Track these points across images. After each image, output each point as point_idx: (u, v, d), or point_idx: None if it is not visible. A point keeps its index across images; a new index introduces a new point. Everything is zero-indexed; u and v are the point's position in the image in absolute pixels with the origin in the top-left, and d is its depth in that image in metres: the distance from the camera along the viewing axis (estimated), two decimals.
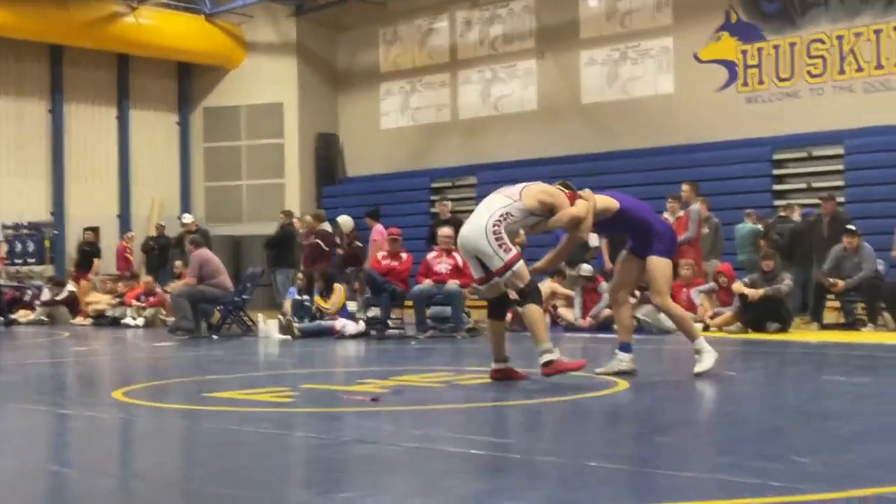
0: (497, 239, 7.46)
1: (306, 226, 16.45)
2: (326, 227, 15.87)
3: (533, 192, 7.68)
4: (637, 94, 21.26)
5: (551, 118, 22.29)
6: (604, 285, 14.44)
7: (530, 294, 7.64)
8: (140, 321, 17.54)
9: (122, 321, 17.78)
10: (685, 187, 15.24)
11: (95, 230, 22.88)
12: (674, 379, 8.46)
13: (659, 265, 7.93)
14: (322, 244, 15.47)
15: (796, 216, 16.16)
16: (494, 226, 7.47)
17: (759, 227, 16.22)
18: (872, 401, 6.78)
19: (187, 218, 20.60)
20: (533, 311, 7.60)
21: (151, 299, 17.83)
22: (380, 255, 14.52)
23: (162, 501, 4.06)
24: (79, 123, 24.81)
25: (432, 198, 23.27)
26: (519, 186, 7.77)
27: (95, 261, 21.40)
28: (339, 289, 14.28)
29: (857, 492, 3.81)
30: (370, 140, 25.43)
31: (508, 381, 7.54)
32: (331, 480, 4.24)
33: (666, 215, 15.49)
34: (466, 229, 7.68)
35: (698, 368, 7.74)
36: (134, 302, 18.03)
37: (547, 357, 7.43)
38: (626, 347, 8.03)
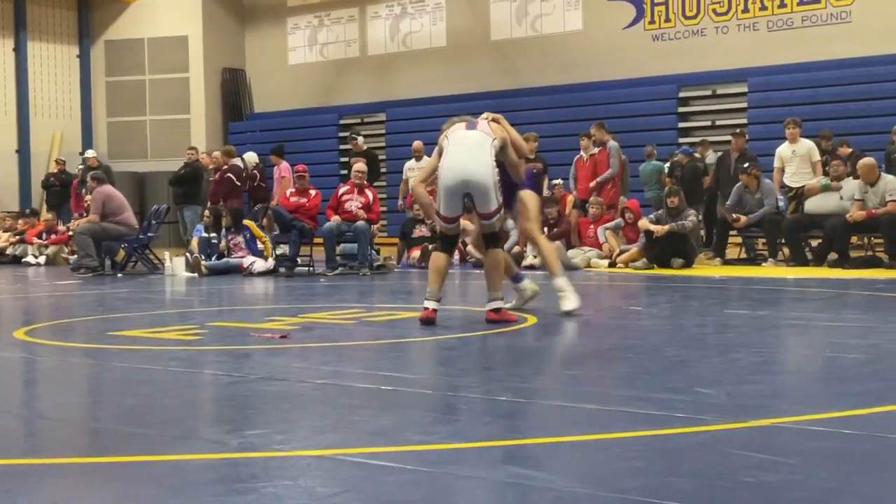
0: (498, 180, 7.50)
1: (215, 161, 16.21)
2: (238, 162, 15.67)
3: (496, 129, 7.67)
4: (546, 30, 21.28)
5: (461, 55, 22.22)
6: (510, 223, 14.54)
7: (498, 238, 7.73)
8: (42, 259, 17.19)
9: (24, 259, 17.40)
10: (594, 128, 15.35)
11: None
12: (580, 315, 8.58)
13: (529, 196, 8.10)
14: (234, 179, 15.28)
15: (710, 156, 16.39)
16: (497, 166, 7.48)
17: (663, 164, 16.45)
18: (773, 333, 6.96)
19: (90, 153, 20.15)
20: (499, 256, 7.62)
21: (53, 237, 17.46)
22: (288, 192, 14.39)
23: (68, 440, 4.01)
24: None
25: (341, 134, 23.12)
26: (483, 121, 7.73)
27: None
28: (253, 224, 14.16)
29: (759, 422, 3.92)
30: (278, 75, 25.10)
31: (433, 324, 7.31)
32: (241, 418, 4.23)
33: (581, 153, 15.63)
34: (474, 166, 7.43)
35: (566, 307, 7.68)
36: (35, 240, 17.64)
37: (496, 304, 7.43)
38: (518, 278, 8.12)
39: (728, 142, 16.24)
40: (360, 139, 17.25)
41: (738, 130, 15.72)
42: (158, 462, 3.50)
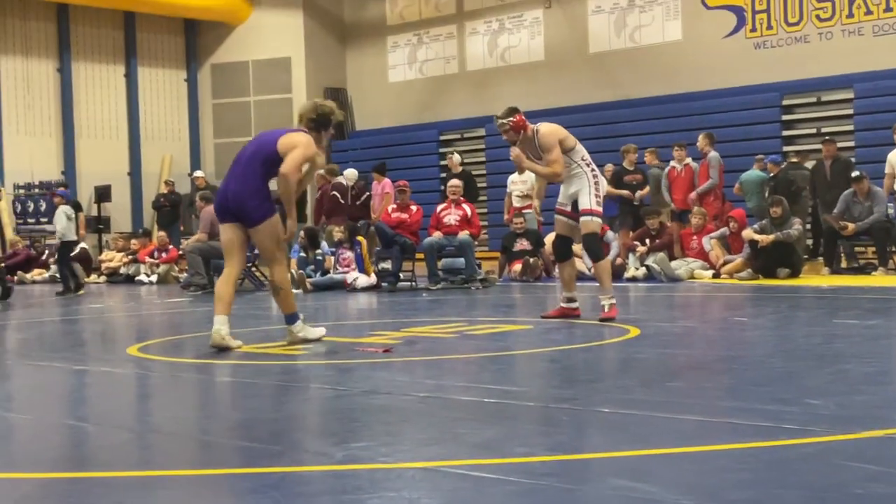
0: None
1: (319, 179, 16.46)
2: (341, 180, 15.90)
3: None
4: (645, 42, 21.11)
5: (559, 68, 22.16)
6: (610, 234, 14.47)
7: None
8: (153, 278, 17.62)
9: (136, 278, 17.86)
10: (701, 138, 15.26)
11: (107, 188, 22.97)
12: (684, 325, 8.49)
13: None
14: (339, 196, 15.49)
15: (809, 165, 16.09)
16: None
17: (766, 173, 16.17)
18: (884, 343, 6.80)
19: (198, 173, 20.60)
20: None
21: (164, 256, 17.89)
22: (390, 208, 14.53)
23: (178, 454, 4.10)
24: (87, 82, 24.79)
25: (441, 150, 23.23)
26: None
27: (80, 215, 21.30)
28: (363, 241, 14.33)
29: (870, 433, 3.84)
30: (378, 93, 25.34)
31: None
32: (346, 431, 4.28)
33: (673, 164, 15.50)
34: None
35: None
36: (147, 259, 18.10)
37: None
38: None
39: (841, 149, 15.92)
40: (456, 157, 17.35)
41: (828, 137, 15.44)
42: (266, 474, 3.56)
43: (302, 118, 7.46)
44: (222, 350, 6.97)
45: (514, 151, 8.41)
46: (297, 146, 7.17)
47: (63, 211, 14.95)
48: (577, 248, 14.64)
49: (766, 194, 15.14)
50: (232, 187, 7.28)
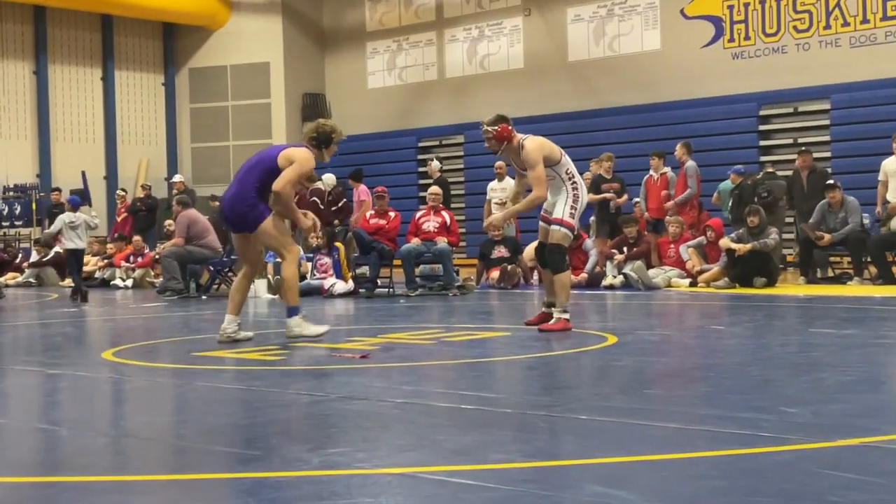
0: None
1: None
2: (320, 185, 15.87)
3: None
4: (624, 50, 21.20)
5: (538, 76, 22.22)
6: (588, 242, 14.49)
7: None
8: (129, 282, 17.52)
9: (112, 282, 17.76)
10: (679, 147, 15.31)
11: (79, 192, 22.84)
12: (662, 333, 8.51)
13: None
14: (319, 202, 15.46)
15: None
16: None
17: (734, 183, 16.21)
18: (859, 352, 6.83)
19: (177, 178, 20.51)
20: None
21: (140, 260, 17.80)
22: (368, 214, 14.51)
23: (153, 458, 4.08)
24: (64, 85, 24.69)
25: (420, 157, 23.25)
26: None
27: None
28: (341, 247, 14.29)
29: (846, 441, 3.85)
30: (357, 99, 25.33)
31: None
32: (323, 436, 4.26)
33: (651, 172, 15.56)
34: None
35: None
36: (123, 263, 18.00)
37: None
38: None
39: (817, 159, 16.01)
40: (435, 163, 17.36)
41: (804, 148, 15.51)
42: (241, 479, 3.54)
43: (305, 136, 7.83)
44: (233, 342, 7.64)
45: (486, 222, 9.16)
46: (294, 161, 7.53)
47: (61, 218, 14.77)
48: None
49: (730, 204, 15.23)
50: (227, 196, 7.76)
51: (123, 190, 21.36)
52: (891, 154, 13.90)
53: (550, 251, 8.19)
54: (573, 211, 8.10)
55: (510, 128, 8.13)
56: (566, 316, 8.04)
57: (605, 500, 3.13)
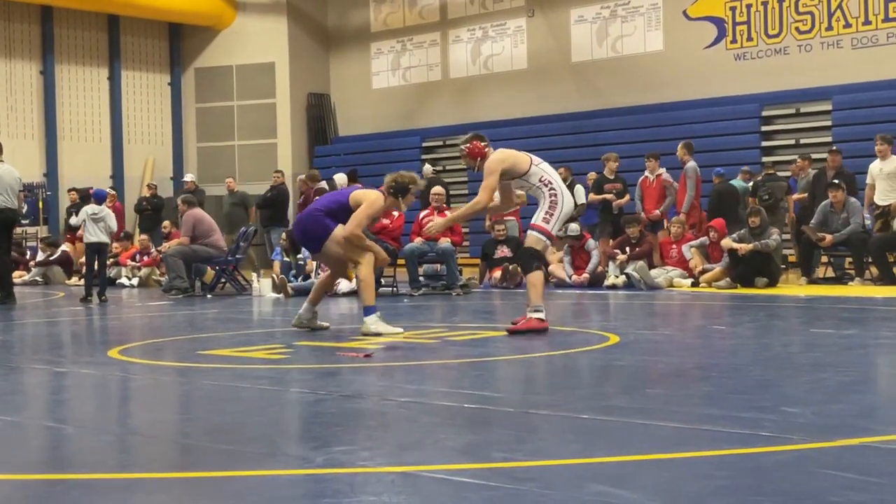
0: None
1: (301, 185, 16.46)
2: (323, 185, 15.91)
3: None
4: (627, 51, 21.22)
5: (541, 77, 22.24)
6: (591, 242, 14.52)
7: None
8: (135, 281, 17.56)
9: (117, 281, 17.80)
10: (680, 147, 15.31)
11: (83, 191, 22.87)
12: (663, 333, 8.53)
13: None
14: None
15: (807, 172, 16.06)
16: None
17: (746, 184, 16.24)
18: (860, 352, 6.86)
19: (188, 177, 20.54)
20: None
21: (146, 259, 17.84)
22: None
23: (158, 457, 4.11)
24: (70, 84, 24.73)
25: (423, 157, 23.27)
26: None
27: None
28: None
29: (847, 441, 3.88)
30: (362, 99, 25.36)
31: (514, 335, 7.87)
32: (326, 435, 4.29)
33: (646, 174, 15.61)
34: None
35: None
36: (129, 262, 18.04)
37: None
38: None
39: (818, 160, 15.99)
40: (428, 167, 17.48)
41: (833, 148, 15.35)
42: (246, 477, 3.57)
43: (385, 186, 8.41)
44: (308, 330, 8.48)
45: (424, 228, 9.62)
46: (364, 202, 8.17)
47: (85, 210, 14.04)
48: (556, 256, 14.73)
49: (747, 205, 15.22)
50: (298, 220, 8.74)
51: (113, 189, 21.37)
52: (875, 157, 13.95)
53: (521, 253, 8.46)
54: (548, 217, 8.13)
55: (482, 144, 8.35)
56: (538, 315, 8.03)
57: (607, 500, 3.15)
